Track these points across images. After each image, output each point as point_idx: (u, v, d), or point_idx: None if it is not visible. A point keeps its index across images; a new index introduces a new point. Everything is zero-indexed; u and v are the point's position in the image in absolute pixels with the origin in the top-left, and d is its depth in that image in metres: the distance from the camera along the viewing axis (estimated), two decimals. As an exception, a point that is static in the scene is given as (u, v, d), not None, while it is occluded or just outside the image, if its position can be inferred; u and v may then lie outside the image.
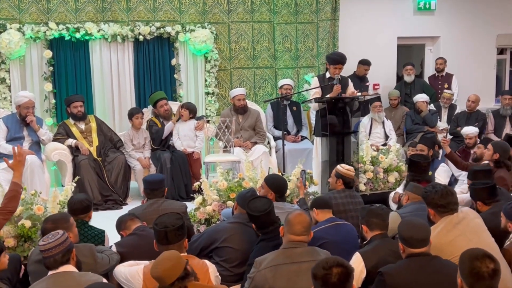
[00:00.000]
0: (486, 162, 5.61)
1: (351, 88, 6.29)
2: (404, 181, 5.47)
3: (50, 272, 2.97)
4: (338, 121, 5.79)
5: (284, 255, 3.17)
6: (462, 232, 3.38)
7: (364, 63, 8.45)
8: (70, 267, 2.98)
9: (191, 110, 7.08)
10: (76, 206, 4.02)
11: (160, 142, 7.02)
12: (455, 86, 8.92)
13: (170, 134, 7.09)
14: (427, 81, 9.17)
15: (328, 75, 6.31)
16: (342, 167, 4.82)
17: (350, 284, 2.54)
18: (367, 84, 8.61)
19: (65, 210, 4.29)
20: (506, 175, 5.35)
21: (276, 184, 4.44)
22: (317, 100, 5.99)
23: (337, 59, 6.23)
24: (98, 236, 4.02)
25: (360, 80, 8.42)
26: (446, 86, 8.81)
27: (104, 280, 3.02)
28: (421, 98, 8.27)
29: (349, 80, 6.50)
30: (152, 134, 7.01)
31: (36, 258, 3.44)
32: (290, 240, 3.22)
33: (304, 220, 3.24)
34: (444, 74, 8.96)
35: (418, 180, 4.88)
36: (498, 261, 2.61)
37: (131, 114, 6.94)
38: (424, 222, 3.21)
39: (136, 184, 6.92)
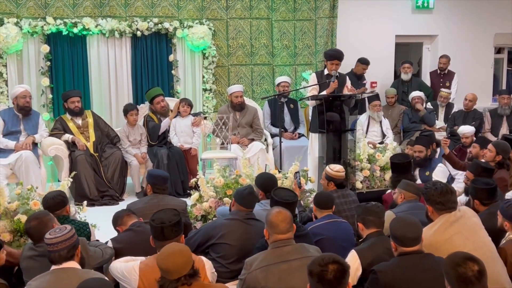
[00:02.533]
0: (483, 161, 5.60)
1: (348, 85, 6.28)
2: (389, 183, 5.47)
3: (53, 267, 2.96)
4: (336, 118, 5.77)
5: (274, 254, 3.16)
6: (459, 230, 3.38)
7: (363, 62, 8.45)
8: (73, 263, 2.98)
9: (192, 107, 7.11)
10: (49, 203, 3.99)
11: (158, 138, 7.02)
12: (455, 84, 8.94)
13: (168, 130, 7.09)
14: (429, 77, 9.18)
15: (326, 72, 6.30)
16: (331, 169, 4.80)
17: (346, 281, 2.55)
18: (364, 82, 8.61)
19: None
20: (506, 175, 5.35)
21: (260, 182, 4.46)
22: (313, 97, 5.98)
23: (334, 55, 6.23)
24: (83, 229, 4.01)
25: (357, 78, 8.43)
26: (447, 84, 8.82)
27: (106, 278, 3.01)
28: (416, 94, 8.30)
29: (347, 77, 6.50)
30: (149, 129, 7.00)
31: (27, 254, 3.44)
32: (277, 240, 3.20)
33: (286, 217, 3.23)
34: (446, 71, 8.97)
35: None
36: (480, 260, 2.60)
37: (126, 111, 6.92)
38: (416, 220, 3.19)
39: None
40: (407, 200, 4.33)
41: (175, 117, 7.07)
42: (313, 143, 6.26)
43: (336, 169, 4.79)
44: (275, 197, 3.76)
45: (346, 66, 8.57)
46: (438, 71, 9.03)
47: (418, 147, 5.84)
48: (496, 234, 3.64)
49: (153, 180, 4.59)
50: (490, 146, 5.51)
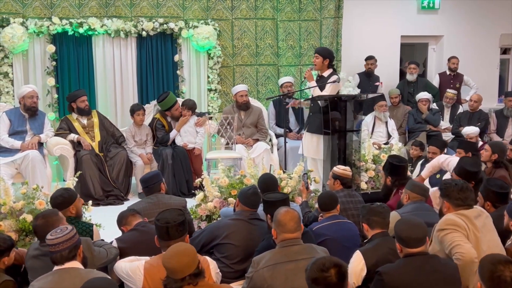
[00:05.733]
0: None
1: (326, 87, 5.89)
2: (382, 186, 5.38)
3: (56, 268, 2.97)
4: (339, 118, 5.69)
5: (281, 253, 3.17)
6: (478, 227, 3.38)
7: (366, 58, 8.49)
8: (75, 263, 2.98)
9: (193, 109, 7.11)
10: (52, 203, 3.97)
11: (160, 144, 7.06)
12: (473, 84, 8.93)
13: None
14: (434, 77, 9.15)
15: (325, 73, 6.11)
16: (338, 168, 4.81)
17: (347, 280, 2.58)
18: (376, 84, 8.58)
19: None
20: (506, 174, 5.35)
21: (259, 182, 4.46)
22: (313, 99, 5.92)
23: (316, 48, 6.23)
24: (86, 231, 3.97)
25: (367, 77, 8.43)
26: (457, 85, 8.80)
27: (110, 278, 3.02)
28: (423, 95, 8.28)
29: (335, 82, 6.11)
30: (157, 138, 7.03)
31: (33, 253, 3.44)
32: (285, 239, 3.21)
33: (294, 216, 3.24)
34: (455, 72, 8.94)
35: (403, 184, 4.74)
36: None
37: (133, 111, 6.94)
38: (421, 221, 3.18)
39: (138, 179, 6.92)
40: (413, 201, 4.32)
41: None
42: (311, 144, 6.09)
43: (342, 168, 4.81)
44: (266, 198, 3.76)
45: (352, 66, 8.60)
46: (448, 72, 8.99)
47: (433, 148, 5.75)
48: (502, 235, 3.63)
49: (146, 182, 4.59)
50: (486, 146, 5.56)
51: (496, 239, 3.47)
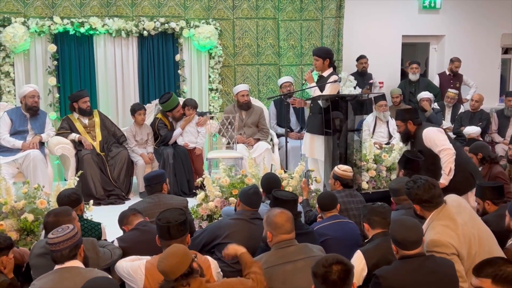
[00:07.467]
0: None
1: (326, 87, 5.87)
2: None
3: (56, 267, 2.97)
4: (341, 118, 5.68)
5: (278, 255, 3.17)
6: (465, 221, 3.37)
7: (358, 58, 8.50)
8: (76, 263, 2.98)
9: (196, 108, 7.12)
10: (64, 201, 3.96)
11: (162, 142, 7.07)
12: (473, 84, 8.92)
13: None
14: (437, 78, 9.15)
15: (325, 73, 6.09)
16: (339, 169, 4.80)
17: (350, 281, 2.55)
18: (370, 81, 8.59)
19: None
20: (502, 170, 5.36)
21: (262, 182, 4.50)
22: (313, 98, 5.92)
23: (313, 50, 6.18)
24: (95, 229, 4.01)
25: (361, 76, 8.43)
26: (457, 85, 8.79)
27: (111, 277, 3.02)
28: (425, 95, 8.28)
29: (331, 79, 5.99)
30: (161, 136, 7.03)
31: (38, 251, 3.45)
32: (282, 240, 3.21)
33: (290, 217, 3.26)
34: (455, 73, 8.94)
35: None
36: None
37: (134, 110, 6.94)
38: (416, 222, 3.14)
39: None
40: (401, 206, 4.26)
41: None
42: (310, 144, 6.07)
43: (343, 168, 4.79)
44: (276, 195, 3.75)
45: (353, 66, 8.60)
46: (448, 72, 8.98)
47: (397, 122, 5.33)
48: (503, 235, 3.63)
49: (148, 180, 4.60)
50: (469, 154, 5.48)
51: (483, 225, 3.47)
